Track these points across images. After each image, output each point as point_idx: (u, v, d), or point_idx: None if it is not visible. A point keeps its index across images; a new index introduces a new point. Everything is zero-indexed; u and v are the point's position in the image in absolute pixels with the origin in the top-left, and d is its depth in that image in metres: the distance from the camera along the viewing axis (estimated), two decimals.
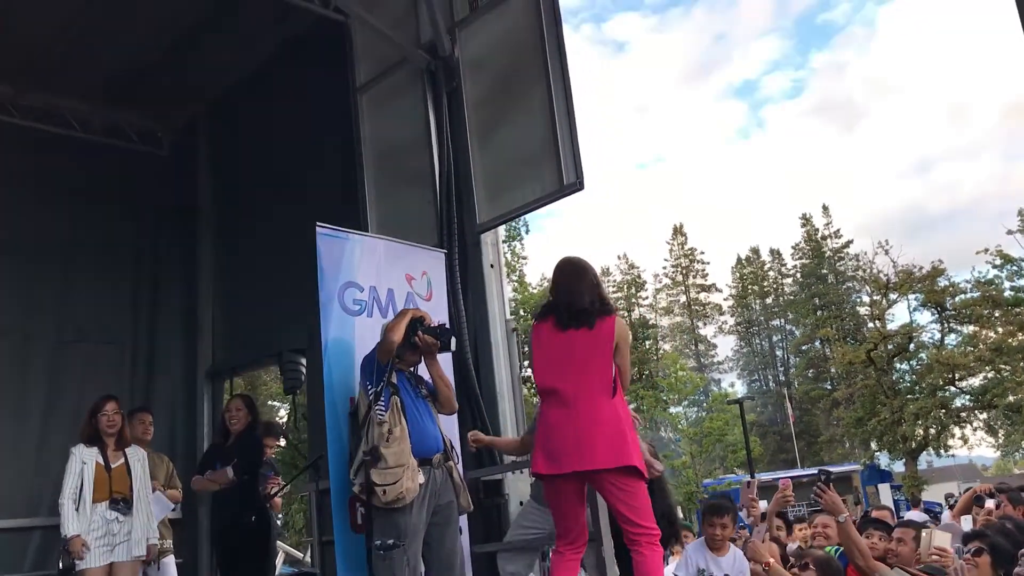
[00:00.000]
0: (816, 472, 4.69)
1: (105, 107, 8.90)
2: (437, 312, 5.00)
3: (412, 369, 4.57)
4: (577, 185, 5.76)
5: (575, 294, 4.06)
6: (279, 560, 9.13)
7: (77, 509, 5.39)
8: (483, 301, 6.31)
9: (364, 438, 4.27)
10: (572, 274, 4.15)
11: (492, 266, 6.44)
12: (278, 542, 8.22)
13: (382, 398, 4.24)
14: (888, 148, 79.41)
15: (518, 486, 5.72)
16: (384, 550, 4.10)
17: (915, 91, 79.67)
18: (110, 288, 8.58)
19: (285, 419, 23.75)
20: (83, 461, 5.52)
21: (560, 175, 5.81)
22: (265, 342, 8.16)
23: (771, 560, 4.52)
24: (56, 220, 8.31)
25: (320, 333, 4.70)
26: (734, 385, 59.66)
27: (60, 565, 5.44)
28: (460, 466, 4.55)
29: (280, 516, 7.27)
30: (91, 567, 5.37)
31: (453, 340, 4.61)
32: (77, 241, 8.41)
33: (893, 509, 9.11)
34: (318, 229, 4.83)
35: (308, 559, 9.08)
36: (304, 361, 7.61)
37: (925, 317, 41.24)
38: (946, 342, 39.46)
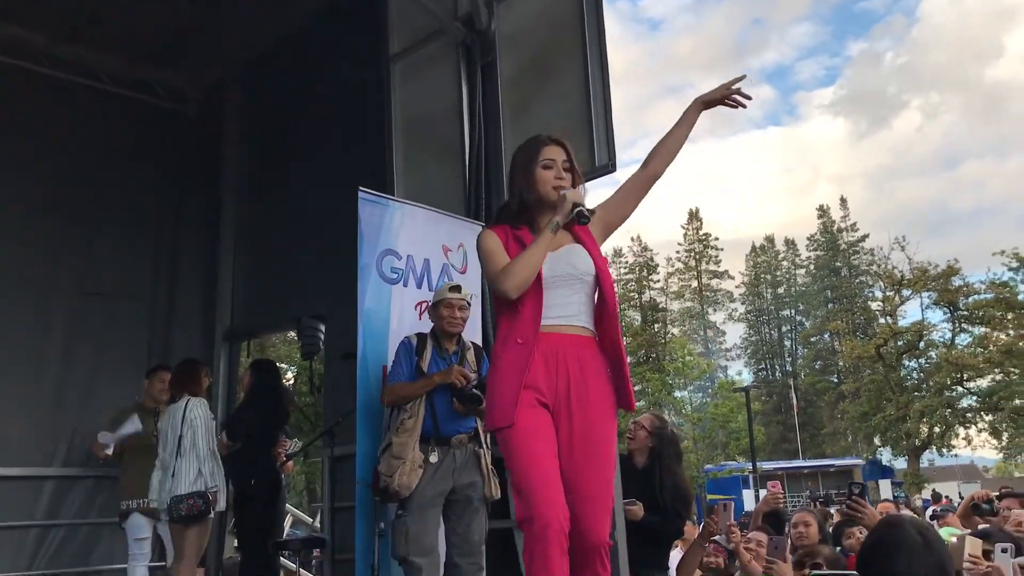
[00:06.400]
0: (853, 485, 4.27)
1: (135, 63, 8.79)
2: (469, 284, 4.90)
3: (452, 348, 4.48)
4: (610, 167, 5.64)
5: None
6: (287, 522, 9.20)
7: None
8: None
9: (390, 420, 4.34)
10: None
11: None
12: (287, 504, 8.29)
13: None
14: (916, 142, 78.84)
15: None
16: (394, 519, 4.21)
17: (949, 85, 78.96)
18: (131, 244, 8.51)
19: (292, 383, 23.89)
20: None
21: (592, 155, 5.68)
22: (284, 306, 8.13)
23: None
24: (80, 173, 8.24)
25: (357, 299, 4.63)
26: (741, 373, 59.75)
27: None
28: (489, 455, 4.41)
29: (286, 477, 7.32)
30: None
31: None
32: (100, 195, 8.34)
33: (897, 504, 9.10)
34: (360, 193, 4.77)
35: (317, 524, 9.12)
36: (323, 328, 7.60)
37: (937, 316, 41.21)
38: (956, 342, 39.43)
